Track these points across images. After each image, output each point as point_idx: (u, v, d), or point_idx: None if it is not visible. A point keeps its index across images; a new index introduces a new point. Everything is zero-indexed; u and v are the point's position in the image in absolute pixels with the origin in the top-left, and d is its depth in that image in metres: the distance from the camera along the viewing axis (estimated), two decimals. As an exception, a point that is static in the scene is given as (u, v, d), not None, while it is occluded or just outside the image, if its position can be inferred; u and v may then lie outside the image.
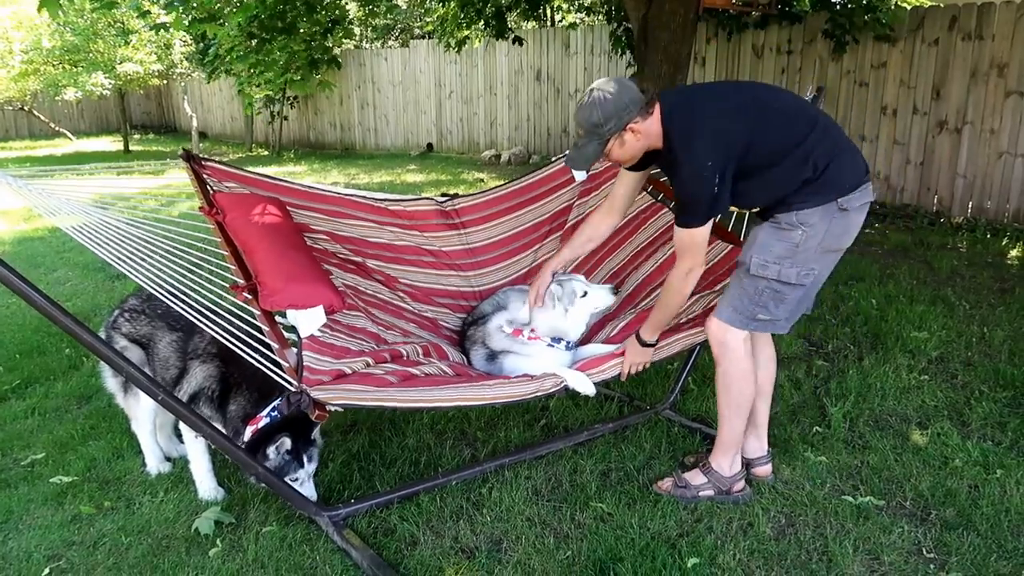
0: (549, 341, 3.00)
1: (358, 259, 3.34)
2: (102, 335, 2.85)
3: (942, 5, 7.17)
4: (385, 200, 3.41)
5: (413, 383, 2.64)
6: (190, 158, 2.90)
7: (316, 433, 2.59)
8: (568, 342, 3.02)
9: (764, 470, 2.80)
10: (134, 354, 2.76)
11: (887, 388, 3.52)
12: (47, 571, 2.40)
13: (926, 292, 4.90)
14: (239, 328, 2.33)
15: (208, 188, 2.85)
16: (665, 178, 2.83)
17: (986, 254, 5.92)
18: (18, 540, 2.56)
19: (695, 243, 2.49)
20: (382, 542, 2.50)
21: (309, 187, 3.21)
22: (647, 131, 2.46)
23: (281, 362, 2.30)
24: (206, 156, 3.03)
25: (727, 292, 2.63)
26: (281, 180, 3.17)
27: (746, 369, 2.62)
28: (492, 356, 3.09)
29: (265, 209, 2.87)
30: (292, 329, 2.55)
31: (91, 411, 3.54)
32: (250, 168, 3.16)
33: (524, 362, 2.98)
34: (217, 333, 2.29)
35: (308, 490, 2.56)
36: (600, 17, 12.38)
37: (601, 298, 3.02)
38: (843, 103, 7.90)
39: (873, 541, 2.45)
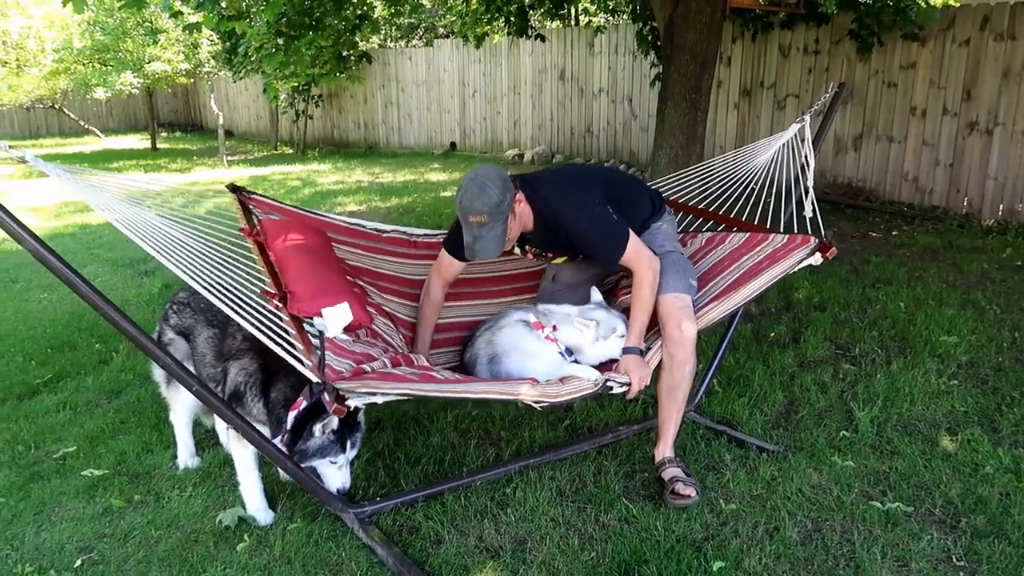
0: (562, 349, 2.93)
1: (390, 306, 3.32)
2: (156, 328, 2.92)
3: (974, 4, 7.06)
4: (423, 234, 3.43)
5: (435, 381, 2.64)
6: (236, 190, 3.04)
7: (361, 417, 2.57)
8: (576, 360, 2.93)
9: None
10: (180, 346, 2.80)
11: (916, 393, 3.48)
12: (79, 562, 2.44)
13: (955, 296, 4.83)
14: (268, 320, 2.35)
15: (251, 219, 2.94)
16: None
17: (1017, 257, 5.82)
18: (51, 532, 2.61)
19: (637, 251, 2.74)
20: (407, 540, 2.52)
21: (349, 222, 3.26)
22: (521, 210, 2.75)
23: (304, 360, 2.32)
24: (250, 190, 3.13)
25: (665, 279, 2.81)
26: (324, 215, 3.25)
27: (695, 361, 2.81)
28: (495, 357, 2.99)
29: (305, 232, 2.93)
30: (317, 336, 2.56)
31: (121, 405, 3.59)
32: (286, 202, 3.22)
33: (530, 362, 2.87)
34: (248, 322, 2.31)
35: (344, 475, 2.54)
36: (625, 17, 12.33)
37: None
38: (871, 103, 7.81)
39: (902, 548, 2.42)
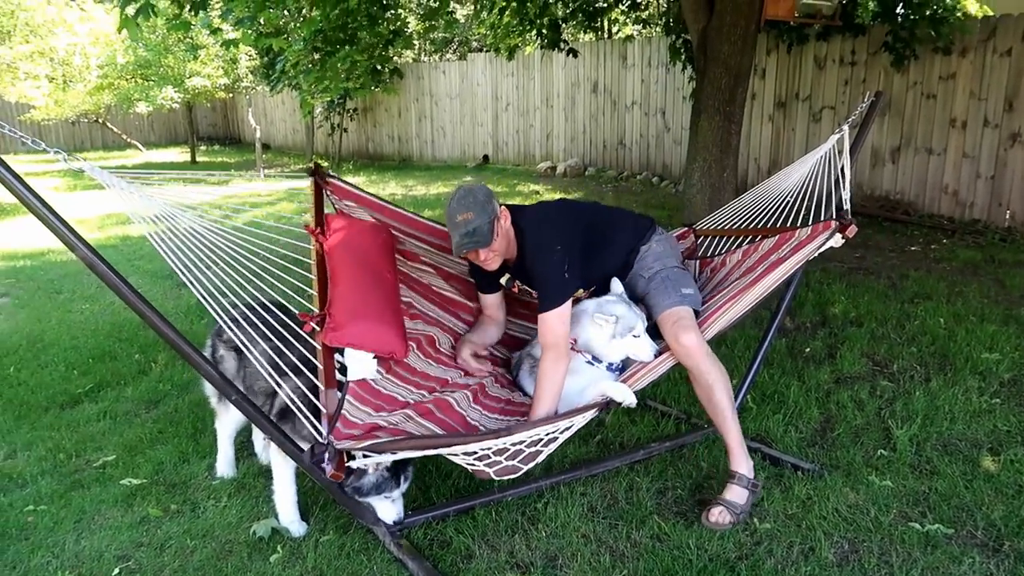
0: (589, 358, 2.92)
1: (460, 298, 3.38)
2: (208, 342, 2.96)
3: (1015, 14, 6.93)
4: None
5: (450, 436, 2.59)
6: (316, 172, 3.04)
7: None
8: (610, 364, 2.92)
9: None
10: (230, 362, 2.83)
11: (956, 411, 3.40)
12: (117, 571, 2.49)
13: (997, 311, 4.72)
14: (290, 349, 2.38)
15: (323, 208, 2.94)
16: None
17: (1062, 272, 5.67)
18: (90, 539, 2.66)
19: (553, 324, 2.69)
20: (438, 554, 2.52)
21: (425, 219, 3.30)
22: (507, 228, 2.81)
23: (320, 407, 2.34)
24: (331, 173, 3.14)
25: (655, 301, 2.85)
26: (400, 208, 3.26)
27: (719, 362, 2.72)
28: (536, 365, 3.06)
29: (367, 237, 2.95)
30: (344, 370, 2.58)
31: (159, 415, 3.66)
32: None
33: (569, 378, 2.83)
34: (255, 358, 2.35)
35: (398, 508, 2.51)
36: (658, 29, 12.31)
37: (644, 350, 2.86)
38: (909, 115, 7.69)
39: (942, 571, 2.37)
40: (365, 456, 2.25)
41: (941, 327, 4.45)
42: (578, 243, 2.83)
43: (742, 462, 2.72)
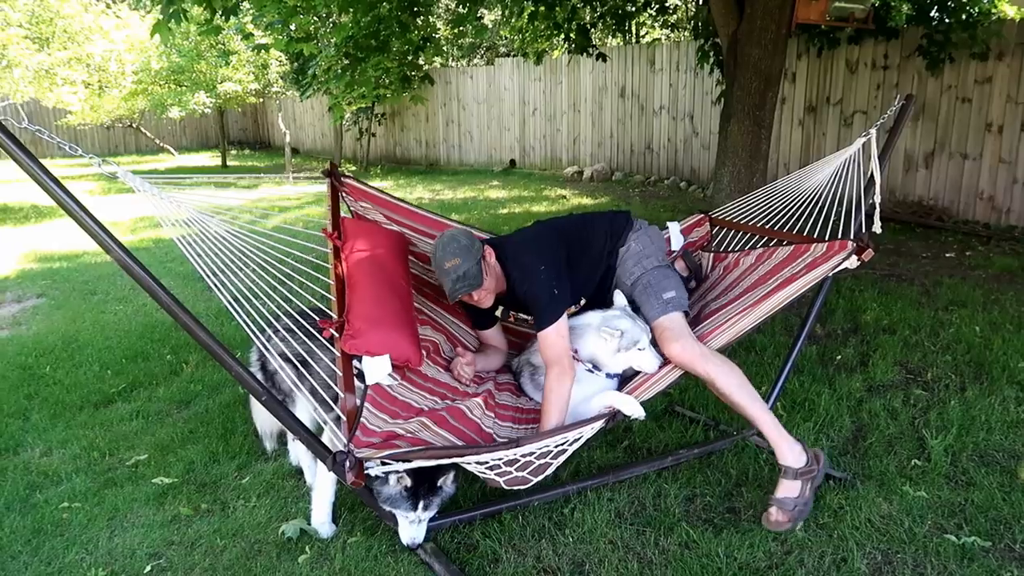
0: (590, 367, 2.91)
1: (443, 321, 3.37)
2: (255, 351, 2.94)
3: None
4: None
5: (467, 446, 2.57)
6: (332, 174, 3.07)
7: (448, 481, 2.50)
8: (608, 373, 2.91)
9: None
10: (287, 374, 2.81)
11: (993, 421, 3.33)
12: (149, 568, 2.52)
13: (1036, 320, 4.62)
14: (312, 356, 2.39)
15: (339, 209, 2.97)
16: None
17: (1103, 280, 5.54)
18: (123, 537, 2.70)
19: (553, 341, 2.71)
20: (465, 558, 2.52)
21: (441, 217, 3.31)
22: (493, 264, 2.86)
23: (339, 413, 2.35)
24: (346, 173, 3.17)
25: (644, 311, 2.88)
26: (416, 207, 3.29)
27: (723, 360, 2.69)
28: (535, 372, 3.08)
29: (383, 243, 2.97)
30: (362, 376, 2.59)
31: (190, 416, 3.71)
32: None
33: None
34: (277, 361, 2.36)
35: (415, 532, 2.48)
36: (686, 33, 12.25)
37: (648, 362, 2.85)
38: (943, 120, 7.57)
39: (978, 584, 2.32)
40: (384, 464, 2.26)
41: (977, 335, 4.36)
42: (560, 259, 2.89)
43: (785, 453, 2.66)
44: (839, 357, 4.14)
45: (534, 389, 3.10)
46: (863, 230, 2.84)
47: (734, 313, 2.83)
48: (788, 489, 2.62)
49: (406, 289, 3.00)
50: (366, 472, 2.23)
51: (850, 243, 2.79)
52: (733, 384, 2.66)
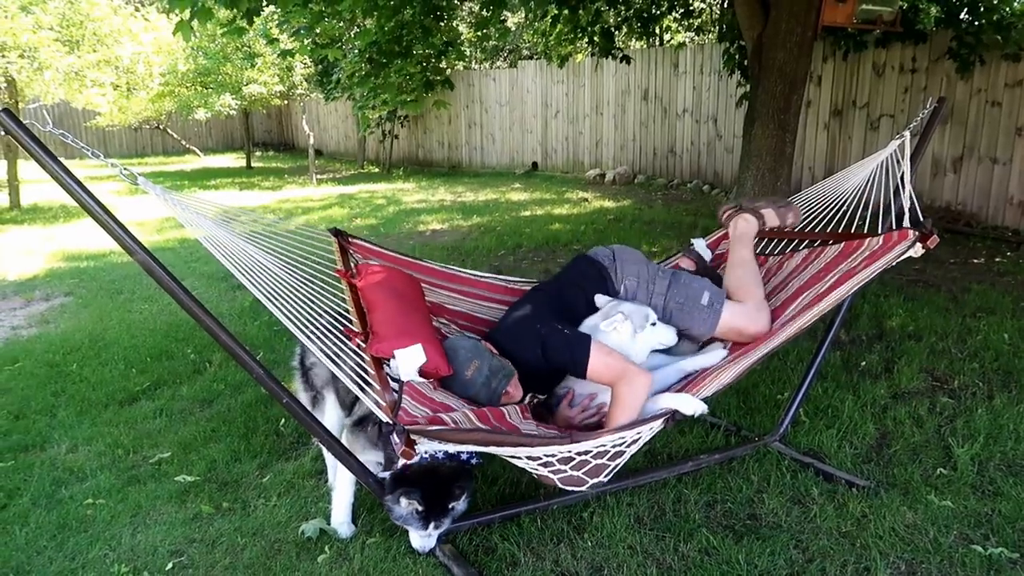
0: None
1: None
2: (297, 350, 2.98)
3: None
4: (518, 281, 3.44)
5: (516, 439, 2.55)
6: (338, 234, 3.14)
7: (460, 504, 2.49)
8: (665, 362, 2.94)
9: None
10: (322, 371, 2.80)
11: (1021, 431, 3.27)
12: (171, 565, 2.55)
13: (1066, 328, 4.53)
14: (346, 354, 2.40)
15: (348, 265, 3.01)
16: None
17: None
18: (145, 534, 2.73)
19: (605, 362, 2.65)
20: (483, 561, 2.52)
21: (448, 268, 3.33)
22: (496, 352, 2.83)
23: (379, 400, 2.35)
24: (352, 234, 3.22)
25: (697, 331, 2.97)
26: (423, 261, 3.31)
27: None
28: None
29: (398, 277, 3.00)
30: (396, 380, 2.60)
31: (212, 414, 3.74)
32: (384, 245, 3.30)
33: (589, 384, 2.86)
34: (326, 354, 2.37)
35: (425, 542, 2.49)
36: (711, 36, 12.19)
37: (666, 335, 2.89)
38: (972, 123, 7.45)
39: (1005, 597, 2.28)
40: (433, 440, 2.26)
41: (1005, 343, 4.29)
42: (552, 314, 2.88)
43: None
44: (864, 363, 4.09)
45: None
46: (920, 220, 2.79)
47: (794, 313, 2.81)
48: None
49: (425, 311, 3.02)
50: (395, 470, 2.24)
51: (911, 232, 2.75)
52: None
